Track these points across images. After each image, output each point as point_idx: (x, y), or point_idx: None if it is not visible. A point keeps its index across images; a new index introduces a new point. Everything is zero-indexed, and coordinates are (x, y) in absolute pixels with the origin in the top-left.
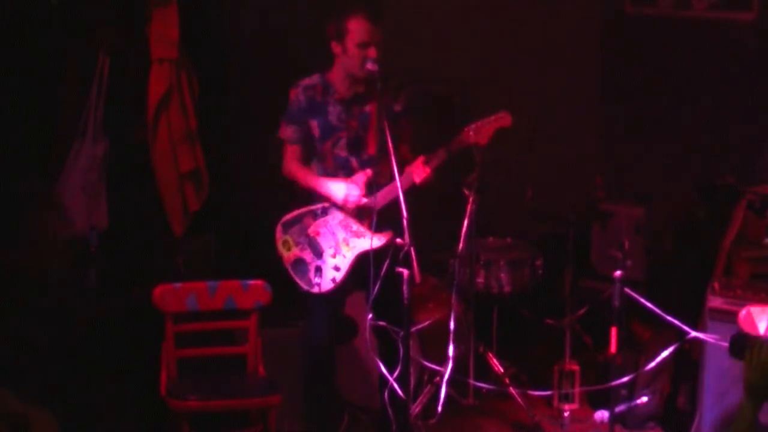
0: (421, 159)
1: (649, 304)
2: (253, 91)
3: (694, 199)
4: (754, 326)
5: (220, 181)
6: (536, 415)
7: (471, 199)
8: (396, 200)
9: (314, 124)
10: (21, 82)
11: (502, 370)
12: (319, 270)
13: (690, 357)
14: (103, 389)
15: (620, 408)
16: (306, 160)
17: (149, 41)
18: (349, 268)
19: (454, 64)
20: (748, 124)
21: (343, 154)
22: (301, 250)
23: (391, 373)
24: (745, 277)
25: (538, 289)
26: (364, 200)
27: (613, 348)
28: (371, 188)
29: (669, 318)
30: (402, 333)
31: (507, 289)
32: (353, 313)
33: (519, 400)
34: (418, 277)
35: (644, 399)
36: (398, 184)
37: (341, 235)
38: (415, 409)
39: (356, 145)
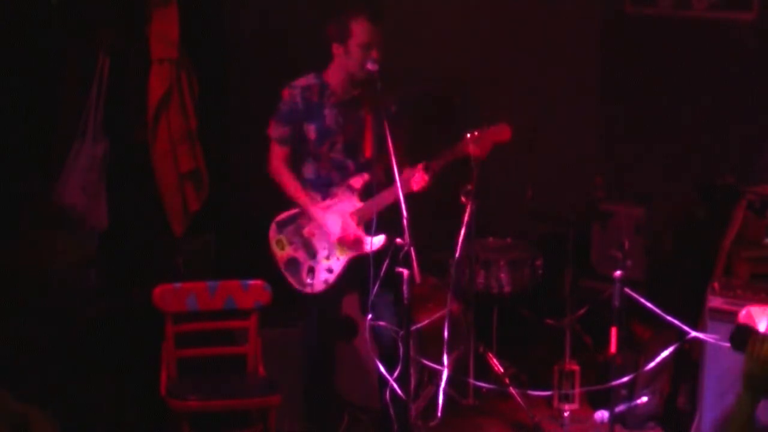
0: (421, 166)
1: (649, 304)
2: (253, 91)
3: (694, 199)
4: (755, 326)
5: (220, 181)
6: (536, 415)
7: (468, 208)
8: (391, 204)
9: (311, 127)
10: (21, 82)
11: (502, 370)
12: (311, 270)
13: (690, 357)
14: (103, 389)
15: (620, 408)
16: (297, 159)
17: (149, 41)
18: (342, 270)
19: (454, 64)
20: (748, 124)
21: (340, 157)
22: (295, 250)
23: (389, 373)
24: (745, 277)
25: (538, 289)
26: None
27: (613, 348)
28: (368, 192)
29: (669, 318)
30: (402, 332)
31: (507, 289)
32: (352, 313)
33: (519, 400)
34: (418, 277)
35: (644, 399)
36: (398, 185)
37: (336, 237)
38: (417, 407)
39: (353, 149)
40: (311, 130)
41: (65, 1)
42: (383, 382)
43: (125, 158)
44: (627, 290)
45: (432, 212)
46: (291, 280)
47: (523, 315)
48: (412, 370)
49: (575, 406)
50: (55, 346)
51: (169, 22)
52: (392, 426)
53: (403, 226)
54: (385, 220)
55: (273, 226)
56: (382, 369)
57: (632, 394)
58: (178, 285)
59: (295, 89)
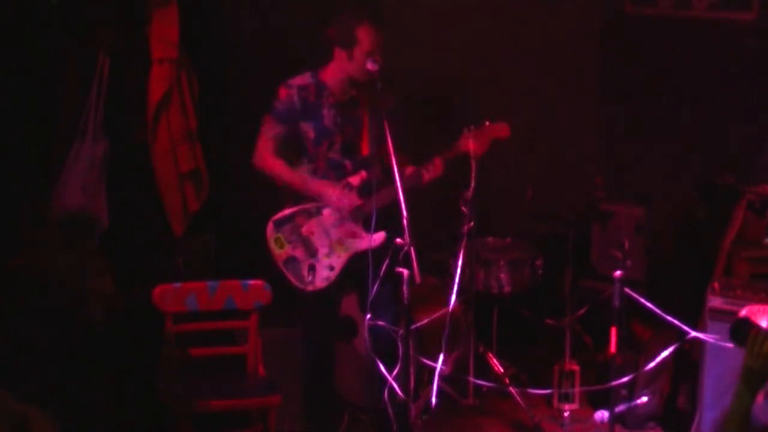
0: (438, 158)
1: (649, 304)
2: (253, 91)
3: (694, 199)
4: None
5: (220, 181)
6: (536, 415)
7: (467, 217)
8: (392, 202)
9: (308, 127)
10: (21, 82)
11: (502, 370)
12: (312, 268)
13: (690, 357)
14: (103, 389)
15: (620, 408)
16: (293, 159)
17: (149, 41)
18: (343, 267)
19: (454, 64)
20: (748, 124)
21: (338, 157)
22: (294, 248)
23: (388, 371)
24: (745, 277)
25: (538, 289)
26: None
27: (613, 348)
28: (366, 190)
29: (669, 318)
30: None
31: (507, 289)
32: (352, 313)
33: (519, 400)
34: (418, 277)
35: (644, 399)
36: (398, 184)
37: (336, 234)
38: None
39: (350, 149)
40: (309, 130)
41: (65, 1)
42: (383, 381)
43: (125, 158)
44: (627, 290)
45: (432, 212)
46: (291, 278)
47: (523, 315)
48: (411, 370)
49: (575, 406)
50: (54, 346)
51: (169, 22)
52: (392, 426)
53: (403, 226)
54: (381, 221)
55: (270, 225)
56: (382, 369)
57: (632, 394)
58: (178, 285)
59: (292, 88)
